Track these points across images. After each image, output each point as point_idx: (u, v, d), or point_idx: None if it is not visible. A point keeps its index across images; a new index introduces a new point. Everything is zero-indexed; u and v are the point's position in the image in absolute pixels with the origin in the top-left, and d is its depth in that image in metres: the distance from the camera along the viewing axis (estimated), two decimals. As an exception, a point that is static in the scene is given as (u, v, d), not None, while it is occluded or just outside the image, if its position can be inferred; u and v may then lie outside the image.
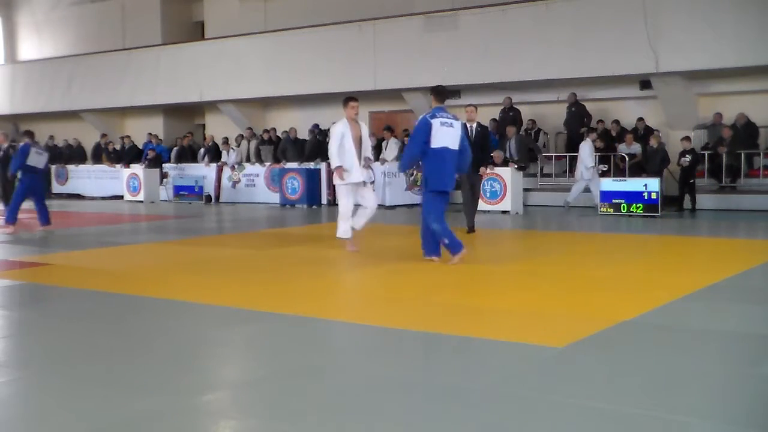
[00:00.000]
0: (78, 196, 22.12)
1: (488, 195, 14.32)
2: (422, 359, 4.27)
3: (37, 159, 11.71)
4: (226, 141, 19.89)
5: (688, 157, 13.98)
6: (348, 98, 8.58)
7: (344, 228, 8.68)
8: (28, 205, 15.65)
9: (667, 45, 14.45)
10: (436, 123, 7.37)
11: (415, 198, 16.22)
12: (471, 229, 10.78)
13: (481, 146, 10.76)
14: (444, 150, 7.39)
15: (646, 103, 16.21)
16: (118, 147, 21.97)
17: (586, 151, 14.28)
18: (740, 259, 7.92)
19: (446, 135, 7.38)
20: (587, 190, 14.54)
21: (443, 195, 7.58)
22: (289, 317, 5.28)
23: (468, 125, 10.64)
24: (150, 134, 21.66)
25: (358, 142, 8.47)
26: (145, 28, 23.51)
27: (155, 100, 22.04)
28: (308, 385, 3.74)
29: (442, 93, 7.67)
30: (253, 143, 19.29)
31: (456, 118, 7.58)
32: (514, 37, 16.10)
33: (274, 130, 19.61)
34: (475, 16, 16.67)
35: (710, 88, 15.50)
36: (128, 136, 22.26)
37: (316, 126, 18.76)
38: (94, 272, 7.51)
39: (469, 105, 10.99)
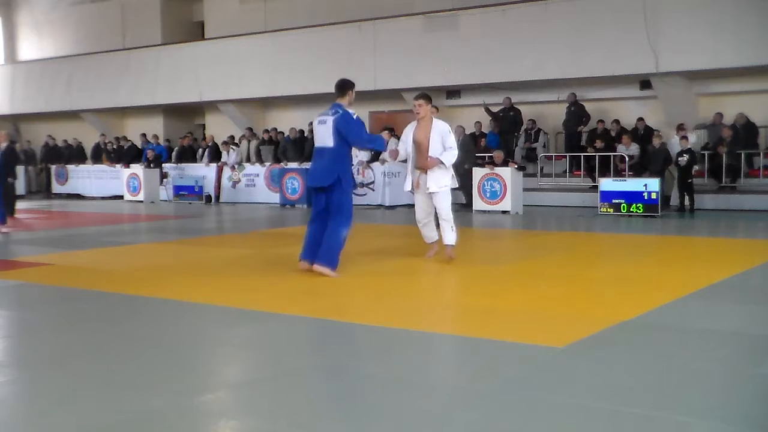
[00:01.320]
0: (78, 196, 22.11)
1: (488, 195, 14.32)
2: (422, 359, 4.27)
3: None
4: (232, 139, 19.83)
5: (685, 157, 13.97)
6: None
7: (448, 235, 7.70)
8: (26, 205, 15.63)
9: (667, 45, 14.45)
10: (314, 123, 7.18)
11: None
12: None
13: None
14: (316, 149, 7.13)
15: (646, 103, 16.22)
16: (115, 147, 22.01)
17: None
18: (740, 259, 7.92)
19: (318, 133, 7.07)
20: None
21: (318, 193, 7.13)
22: (289, 317, 5.28)
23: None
24: (143, 135, 21.70)
25: (423, 145, 7.61)
26: (145, 28, 23.51)
27: (155, 100, 22.04)
28: (308, 385, 3.74)
29: (339, 87, 7.12)
30: (254, 143, 19.29)
31: (336, 113, 6.91)
32: (514, 37, 16.10)
33: (275, 129, 19.61)
34: (475, 16, 16.67)
35: (710, 88, 15.51)
36: (124, 137, 22.30)
37: None
38: (94, 272, 7.51)
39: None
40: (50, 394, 3.68)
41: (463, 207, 14.83)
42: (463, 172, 15.45)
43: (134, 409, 3.40)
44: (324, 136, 6.96)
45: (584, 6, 15.41)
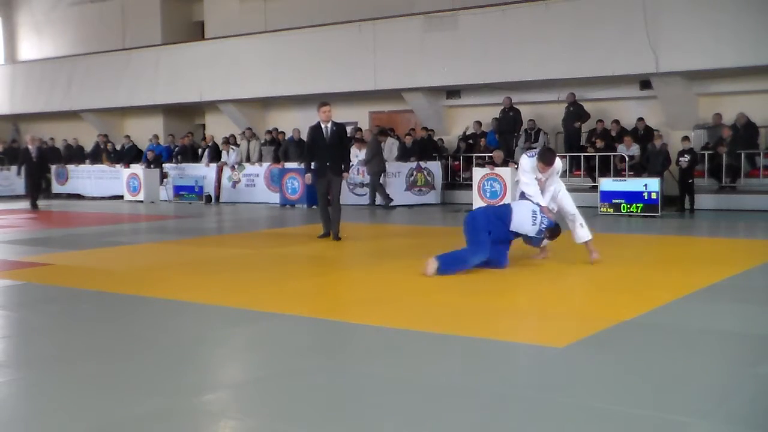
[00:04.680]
0: (78, 196, 22.11)
1: (488, 195, 14.31)
2: (422, 359, 4.27)
3: None
4: (234, 139, 19.81)
5: (686, 157, 13.97)
6: None
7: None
8: (26, 204, 15.64)
9: (667, 45, 14.45)
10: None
11: (414, 198, 16.29)
12: (333, 236, 9.86)
13: (338, 146, 9.97)
14: None
15: (646, 103, 16.20)
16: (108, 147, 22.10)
17: None
18: (740, 259, 7.92)
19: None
20: None
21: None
22: (289, 317, 5.28)
23: (323, 125, 9.93)
24: (127, 137, 21.85)
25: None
26: (145, 28, 23.50)
27: (155, 100, 22.03)
28: (308, 385, 3.74)
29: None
30: (254, 143, 19.29)
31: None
32: (514, 37, 16.09)
33: (276, 130, 19.61)
34: (475, 16, 16.67)
35: (710, 88, 15.50)
36: (127, 136, 22.32)
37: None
38: (94, 272, 7.51)
39: (325, 105, 10.10)
40: (50, 394, 3.68)
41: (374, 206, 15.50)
42: (372, 173, 15.64)
43: (134, 409, 3.40)
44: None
45: (584, 6, 15.40)
